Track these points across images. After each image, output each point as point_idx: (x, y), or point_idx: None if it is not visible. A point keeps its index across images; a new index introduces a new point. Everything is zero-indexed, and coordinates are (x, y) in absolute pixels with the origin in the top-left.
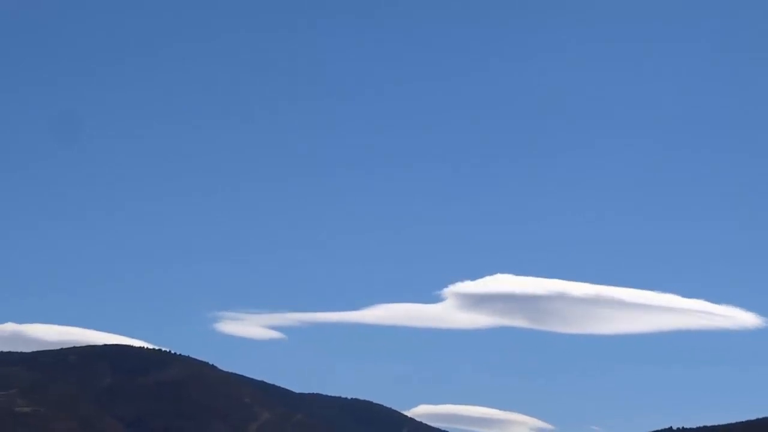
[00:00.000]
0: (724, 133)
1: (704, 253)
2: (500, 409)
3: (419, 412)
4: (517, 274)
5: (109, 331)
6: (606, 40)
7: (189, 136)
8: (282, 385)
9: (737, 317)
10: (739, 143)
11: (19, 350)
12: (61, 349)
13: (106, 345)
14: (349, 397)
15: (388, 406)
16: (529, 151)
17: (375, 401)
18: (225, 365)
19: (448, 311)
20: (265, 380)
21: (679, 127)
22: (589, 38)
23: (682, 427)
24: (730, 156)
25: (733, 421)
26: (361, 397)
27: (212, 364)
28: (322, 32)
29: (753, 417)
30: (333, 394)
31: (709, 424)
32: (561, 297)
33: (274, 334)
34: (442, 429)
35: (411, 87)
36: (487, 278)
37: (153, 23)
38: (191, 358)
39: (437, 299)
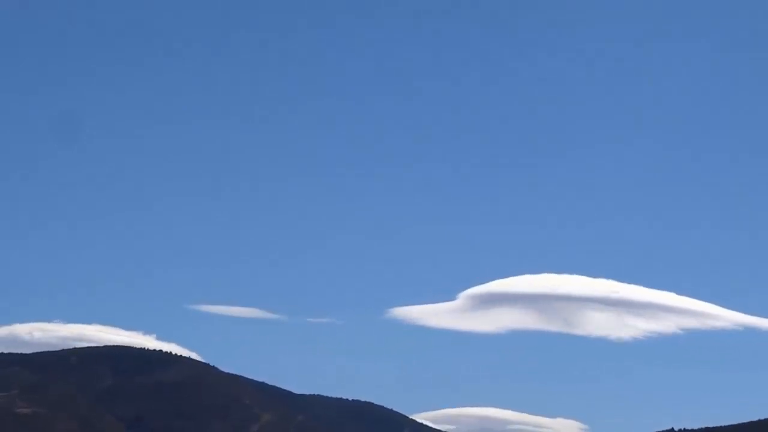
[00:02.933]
0: (735, 133)
1: (708, 255)
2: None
3: (435, 415)
4: (521, 275)
5: (109, 328)
6: (608, 41)
7: (189, 136)
8: (283, 386)
9: (740, 319)
10: (749, 144)
11: (19, 351)
12: (62, 349)
13: (106, 346)
14: (350, 398)
15: (390, 407)
16: (542, 151)
17: (376, 402)
18: (225, 366)
19: (457, 313)
20: (266, 381)
21: (691, 126)
22: (592, 39)
23: (684, 428)
24: (746, 156)
25: (734, 422)
26: (362, 398)
27: (213, 365)
28: (326, 33)
29: (755, 418)
30: (334, 395)
31: (711, 425)
32: (565, 299)
33: (277, 336)
34: (444, 431)
35: (431, 88)
36: (499, 280)
37: (153, 23)
38: (192, 358)
39: (448, 300)
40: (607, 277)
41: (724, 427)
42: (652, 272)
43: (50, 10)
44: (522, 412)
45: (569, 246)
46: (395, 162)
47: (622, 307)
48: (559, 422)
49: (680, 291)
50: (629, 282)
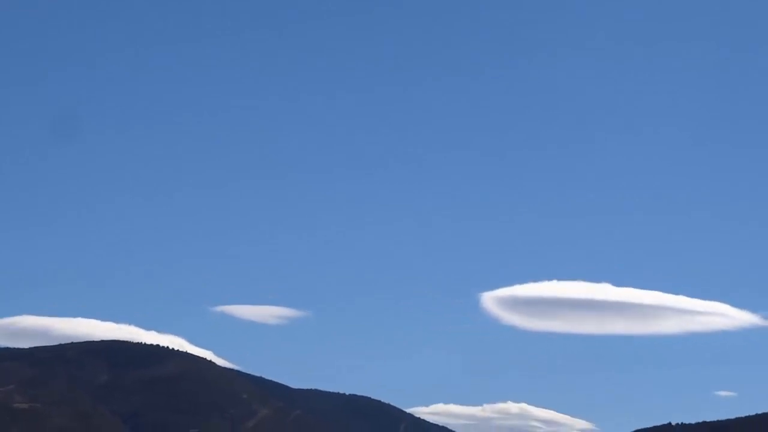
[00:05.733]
0: (738, 136)
1: (705, 255)
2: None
3: (431, 409)
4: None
5: (106, 323)
6: (610, 40)
7: (192, 133)
8: (280, 381)
9: (736, 316)
10: (749, 143)
11: (16, 346)
12: (59, 344)
13: (102, 340)
14: (347, 393)
15: (387, 401)
16: (544, 154)
17: (373, 397)
18: (223, 361)
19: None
20: (263, 375)
21: (702, 128)
22: (593, 40)
23: (682, 423)
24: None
25: (731, 416)
26: (359, 393)
27: (210, 360)
28: (334, 31)
29: (752, 413)
30: (331, 390)
31: (708, 419)
32: (567, 301)
33: (275, 331)
34: (440, 425)
35: (456, 84)
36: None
37: (151, 23)
38: (188, 353)
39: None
40: (606, 278)
41: (722, 421)
42: (641, 272)
43: (50, 9)
44: (521, 403)
45: (579, 249)
46: (416, 164)
47: (615, 309)
48: (564, 418)
49: (676, 291)
50: (623, 281)
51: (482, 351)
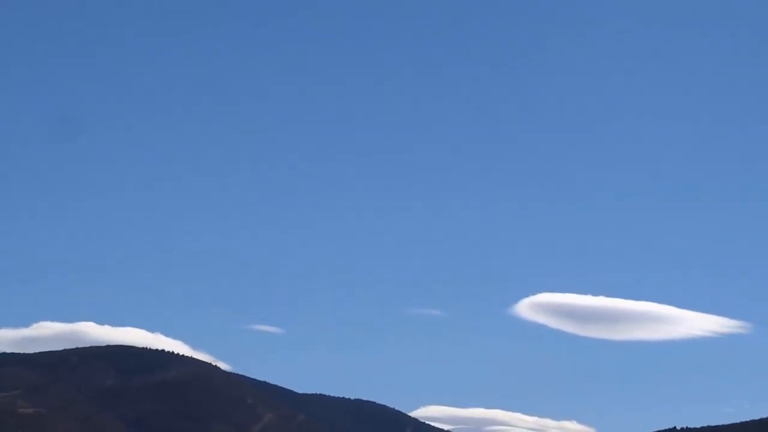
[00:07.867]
0: (732, 139)
1: (705, 268)
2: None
3: (437, 414)
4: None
5: (111, 327)
6: (609, 42)
7: (194, 133)
8: (285, 386)
9: (735, 326)
10: (739, 153)
11: (21, 351)
12: (64, 349)
13: (107, 346)
14: (351, 398)
15: (391, 406)
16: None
17: (378, 401)
18: (228, 366)
19: None
20: (268, 381)
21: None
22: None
23: (686, 427)
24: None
25: (736, 421)
26: (364, 398)
27: (214, 365)
28: (338, 30)
29: (756, 417)
30: (335, 395)
31: (712, 423)
32: (570, 308)
33: (280, 334)
34: (446, 429)
35: (484, 91)
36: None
37: (152, 23)
38: (193, 358)
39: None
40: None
41: (726, 426)
42: (647, 282)
43: (50, 9)
44: (523, 413)
45: (574, 261)
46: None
47: (621, 317)
48: (563, 425)
49: (675, 301)
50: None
51: (484, 354)
